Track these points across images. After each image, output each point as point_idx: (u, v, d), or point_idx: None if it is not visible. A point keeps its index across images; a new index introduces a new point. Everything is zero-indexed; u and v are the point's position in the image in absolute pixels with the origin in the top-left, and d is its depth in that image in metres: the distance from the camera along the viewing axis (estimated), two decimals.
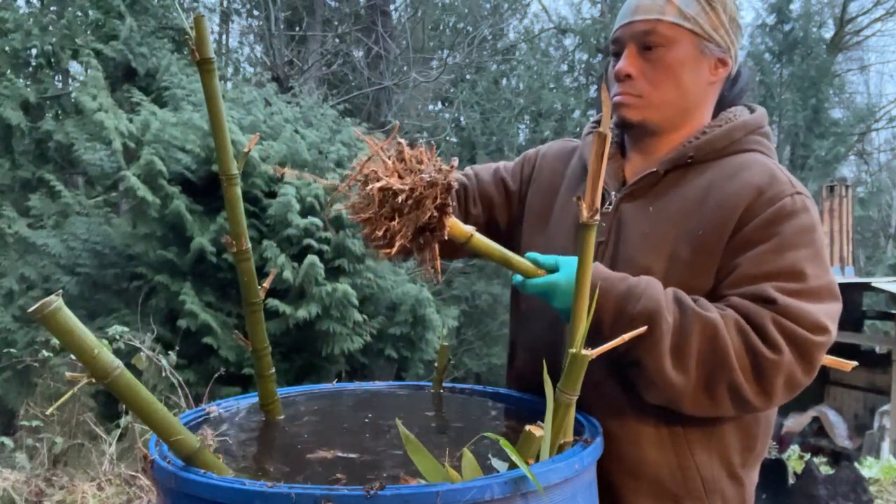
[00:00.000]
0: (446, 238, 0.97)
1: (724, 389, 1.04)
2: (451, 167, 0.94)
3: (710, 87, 1.21)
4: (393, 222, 0.92)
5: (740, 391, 1.03)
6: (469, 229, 1.03)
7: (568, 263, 1.08)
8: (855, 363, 1.28)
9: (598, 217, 0.91)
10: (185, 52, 7.56)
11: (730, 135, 1.19)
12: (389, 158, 0.93)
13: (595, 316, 1.04)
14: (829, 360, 1.26)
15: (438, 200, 0.92)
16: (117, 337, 4.02)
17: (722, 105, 1.25)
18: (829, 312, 1.06)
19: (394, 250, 0.94)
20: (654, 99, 1.18)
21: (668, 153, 1.20)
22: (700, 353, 1.03)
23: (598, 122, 1.36)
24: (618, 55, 1.21)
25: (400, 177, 0.92)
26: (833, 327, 1.05)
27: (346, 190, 0.97)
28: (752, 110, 1.25)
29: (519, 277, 1.10)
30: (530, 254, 1.11)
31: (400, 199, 0.91)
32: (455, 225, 1.00)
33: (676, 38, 1.15)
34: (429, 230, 0.95)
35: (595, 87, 12.72)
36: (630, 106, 1.19)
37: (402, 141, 0.93)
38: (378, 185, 0.91)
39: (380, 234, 0.93)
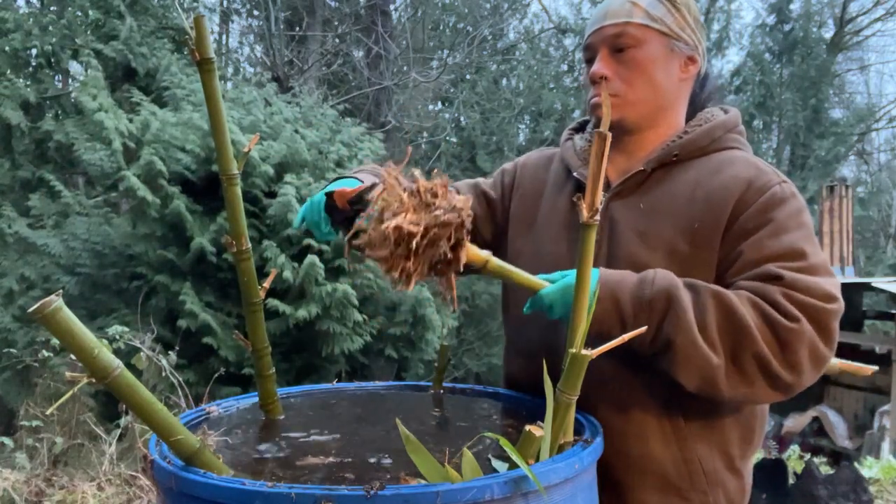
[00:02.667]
0: (461, 269, 0.98)
1: (752, 363, 1.04)
2: (467, 202, 0.95)
3: (681, 84, 1.25)
4: (408, 262, 0.94)
5: (768, 364, 1.04)
6: (485, 254, 1.06)
7: (564, 275, 1.10)
8: (875, 368, 1.31)
9: (598, 217, 0.91)
10: (185, 52, 7.55)
11: (711, 133, 1.23)
12: (405, 191, 0.93)
13: (616, 314, 1.06)
14: (849, 365, 1.28)
15: (453, 239, 0.94)
16: (117, 337, 4.02)
17: (694, 106, 1.30)
18: (833, 284, 1.09)
19: (410, 286, 0.96)
20: (630, 97, 1.22)
21: (651, 152, 1.24)
22: (720, 328, 1.05)
23: (574, 130, 1.41)
24: (590, 61, 1.25)
25: (414, 212, 0.93)
26: (840, 297, 1.08)
27: (364, 224, 0.98)
28: (725, 111, 1.29)
29: (529, 304, 1.12)
30: (541, 275, 1.12)
31: (415, 241, 0.92)
32: (471, 251, 1.02)
33: (646, 38, 1.20)
34: (444, 263, 0.96)
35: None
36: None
37: (417, 175, 0.94)
38: (393, 224, 0.92)
39: (396, 273, 0.95)
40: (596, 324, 1.04)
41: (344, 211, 1.25)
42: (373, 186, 1.20)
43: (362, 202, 1.20)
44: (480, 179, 1.49)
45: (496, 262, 1.07)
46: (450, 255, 0.95)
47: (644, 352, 1.09)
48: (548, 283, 1.10)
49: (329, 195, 1.27)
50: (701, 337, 1.04)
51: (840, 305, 1.07)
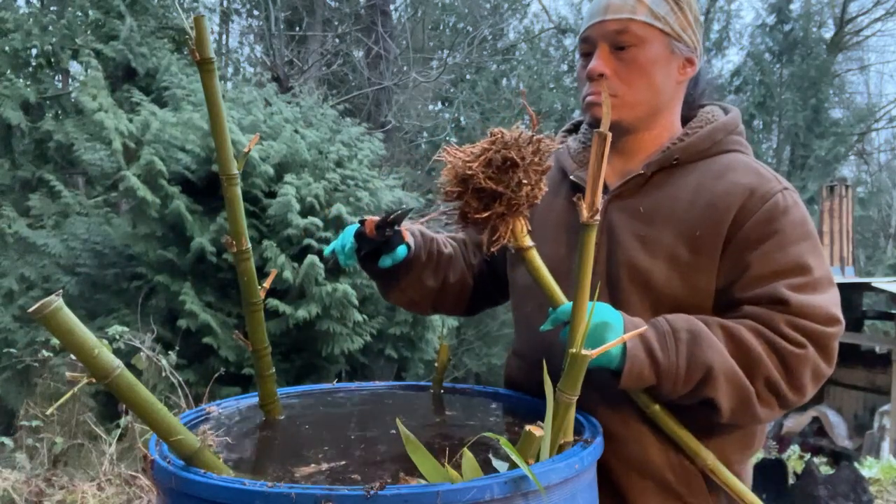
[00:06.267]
0: (523, 219, 1.02)
1: (765, 388, 1.07)
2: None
3: (678, 86, 1.23)
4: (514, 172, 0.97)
5: (778, 387, 1.06)
6: (531, 243, 1.07)
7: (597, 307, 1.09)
8: None
9: (598, 217, 0.91)
10: (185, 52, 7.55)
11: (712, 136, 1.21)
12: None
13: (644, 347, 1.05)
14: None
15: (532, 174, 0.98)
16: (117, 337, 4.02)
17: (689, 104, 1.27)
18: (835, 301, 1.11)
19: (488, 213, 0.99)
20: (628, 98, 1.19)
21: (651, 154, 1.22)
22: (733, 356, 1.06)
23: (568, 131, 1.39)
24: (588, 55, 1.21)
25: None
26: (841, 315, 1.10)
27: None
28: (725, 111, 1.27)
29: (548, 321, 1.11)
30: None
31: (523, 151, 0.97)
32: (523, 231, 1.04)
33: (648, 37, 1.16)
34: (515, 203, 0.99)
35: None
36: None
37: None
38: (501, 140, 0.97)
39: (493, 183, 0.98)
40: (628, 362, 1.03)
41: (371, 240, 1.25)
42: (398, 212, 1.23)
43: (388, 226, 1.23)
44: None
45: (535, 254, 1.07)
46: (522, 192, 0.98)
47: (679, 389, 1.06)
48: (563, 297, 1.08)
49: (361, 223, 1.28)
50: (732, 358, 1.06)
51: (841, 326, 1.10)
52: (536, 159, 0.98)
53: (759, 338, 1.06)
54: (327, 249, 1.35)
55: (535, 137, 0.98)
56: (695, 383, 1.06)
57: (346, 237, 1.30)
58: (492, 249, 1.03)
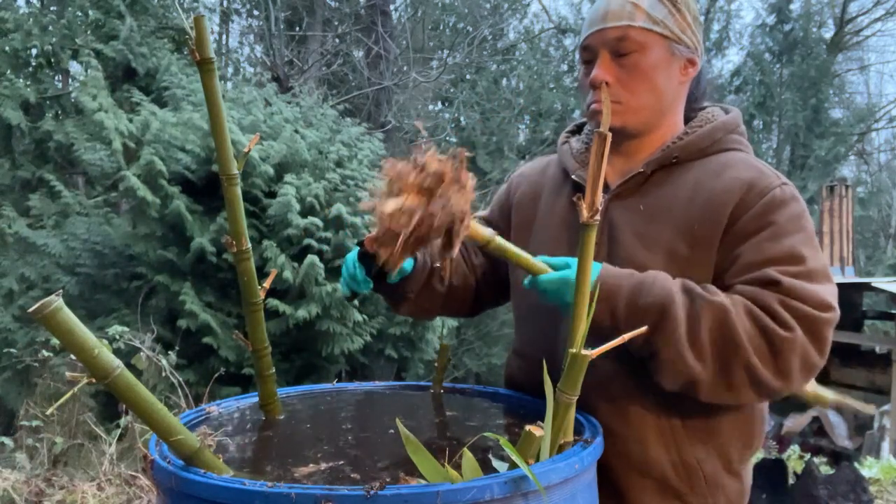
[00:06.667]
0: (455, 255, 1.02)
1: (741, 372, 1.05)
2: (469, 195, 0.98)
3: (681, 86, 1.24)
4: (394, 248, 0.97)
5: (756, 373, 1.04)
6: (489, 234, 1.07)
7: (567, 264, 1.11)
8: (839, 398, 1.33)
9: (598, 217, 0.91)
10: (185, 52, 7.55)
11: (712, 135, 1.22)
12: (413, 170, 0.97)
13: (609, 314, 1.07)
14: (816, 392, 1.28)
15: (445, 235, 0.97)
16: (117, 337, 4.02)
17: (690, 103, 1.28)
18: (830, 291, 1.09)
19: (393, 269, 1.02)
20: (632, 104, 1.20)
21: (651, 154, 1.23)
22: (713, 338, 1.05)
23: (571, 132, 1.40)
24: (589, 62, 1.22)
25: (417, 194, 0.95)
26: (836, 305, 1.09)
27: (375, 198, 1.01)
28: (726, 111, 1.28)
29: (528, 280, 1.13)
30: (542, 256, 1.13)
31: (404, 231, 0.95)
32: (475, 230, 1.04)
33: (648, 42, 1.17)
34: (441, 246, 0.99)
35: None
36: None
37: (430, 155, 0.98)
38: (387, 208, 0.95)
39: (382, 253, 0.99)
40: (592, 320, 1.04)
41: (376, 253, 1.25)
42: None
43: None
44: (484, 213, 1.49)
45: (499, 241, 1.09)
46: (443, 240, 0.98)
47: (631, 350, 1.09)
48: (548, 269, 1.11)
49: (361, 244, 1.27)
50: (690, 349, 1.05)
51: (835, 314, 1.08)
52: (440, 193, 0.96)
53: (749, 317, 1.05)
54: (343, 289, 1.34)
55: (427, 183, 0.96)
56: (641, 353, 1.10)
57: (350, 266, 1.28)
58: (444, 268, 1.05)
